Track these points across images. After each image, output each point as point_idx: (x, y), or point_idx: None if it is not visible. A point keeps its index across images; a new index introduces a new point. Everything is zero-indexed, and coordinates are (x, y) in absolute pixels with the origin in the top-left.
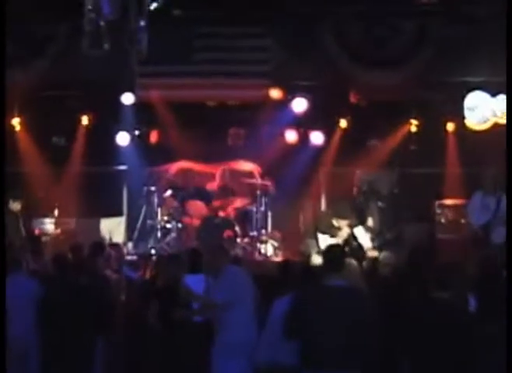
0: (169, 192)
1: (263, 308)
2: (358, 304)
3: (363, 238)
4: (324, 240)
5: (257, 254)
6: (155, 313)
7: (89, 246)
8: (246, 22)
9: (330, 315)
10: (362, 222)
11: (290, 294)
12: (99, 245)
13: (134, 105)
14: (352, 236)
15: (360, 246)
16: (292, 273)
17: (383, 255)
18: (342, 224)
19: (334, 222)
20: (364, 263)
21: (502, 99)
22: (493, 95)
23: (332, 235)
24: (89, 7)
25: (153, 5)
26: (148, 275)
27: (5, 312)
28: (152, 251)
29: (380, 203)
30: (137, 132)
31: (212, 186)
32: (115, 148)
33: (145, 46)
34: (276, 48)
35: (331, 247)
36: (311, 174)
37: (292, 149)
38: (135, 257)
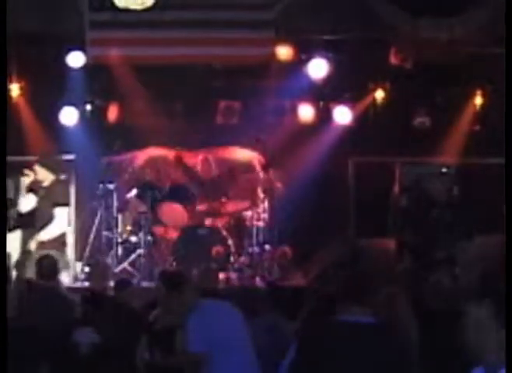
0: (134, 191)
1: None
2: (390, 348)
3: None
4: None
5: (258, 279)
6: (143, 353)
7: None
8: None
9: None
10: (398, 235)
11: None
12: None
13: (84, 68)
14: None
15: None
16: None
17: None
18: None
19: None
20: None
21: None
22: None
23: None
24: None
25: None
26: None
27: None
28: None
29: (434, 210)
30: (89, 107)
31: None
32: (58, 129)
33: None
34: None
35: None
36: (334, 166)
37: (308, 130)
38: (86, 284)
